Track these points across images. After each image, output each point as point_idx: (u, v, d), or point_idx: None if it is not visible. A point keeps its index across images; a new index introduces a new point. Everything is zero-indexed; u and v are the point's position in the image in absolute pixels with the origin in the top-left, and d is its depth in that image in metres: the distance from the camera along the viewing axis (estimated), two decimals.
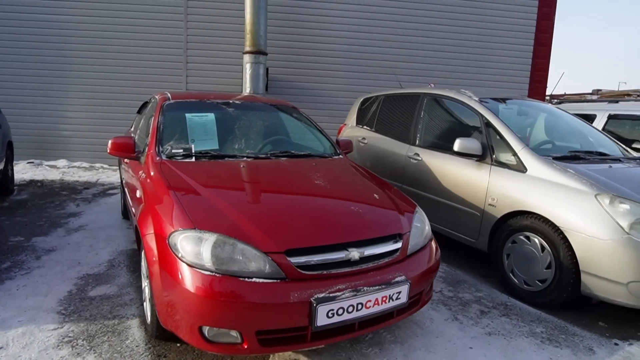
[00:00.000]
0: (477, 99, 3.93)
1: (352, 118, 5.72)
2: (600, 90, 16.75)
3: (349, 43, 8.28)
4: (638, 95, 14.71)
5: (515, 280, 3.30)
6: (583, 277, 2.86)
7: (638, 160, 3.66)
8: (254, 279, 1.85)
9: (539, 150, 3.43)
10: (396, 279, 2.13)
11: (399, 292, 2.12)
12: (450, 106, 4.21)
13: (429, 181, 4.11)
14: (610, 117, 5.60)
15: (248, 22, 7.07)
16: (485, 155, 3.60)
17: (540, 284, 3.11)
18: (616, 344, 2.69)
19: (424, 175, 4.18)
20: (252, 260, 1.90)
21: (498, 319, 2.94)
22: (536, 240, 3.12)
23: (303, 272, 1.93)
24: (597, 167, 3.25)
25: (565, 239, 2.92)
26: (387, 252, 2.21)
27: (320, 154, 3.41)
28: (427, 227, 2.62)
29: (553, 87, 10.77)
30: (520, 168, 3.32)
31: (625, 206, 2.76)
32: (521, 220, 3.23)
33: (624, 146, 4.04)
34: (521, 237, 3.24)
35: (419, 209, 2.68)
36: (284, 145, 3.37)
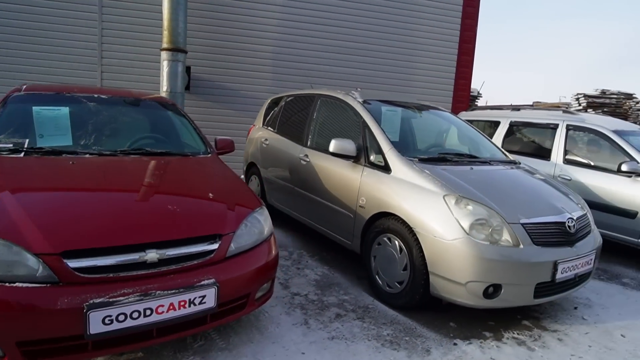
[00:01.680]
0: (361, 100, 3.92)
1: (260, 119, 5.63)
2: (539, 102, 17.60)
3: (275, 44, 8.18)
4: (566, 108, 15.50)
5: (380, 282, 3.29)
6: (431, 278, 2.88)
7: (509, 164, 3.75)
8: (16, 284, 1.70)
9: (408, 152, 3.44)
10: (202, 282, 2.03)
11: (204, 296, 2.02)
12: (338, 108, 4.19)
13: (315, 183, 4.07)
14: (511, 124, 5.80)
15: (165, 17, 6.80)
16: (359, 157, 3.59)
17: (398, 285, 3.11)
18: (455, 344, 2.71)
19: (311, 176, 4.14)
20: (23, 263, 1.75)
21: (350, 322, 2.90)
22: (396, 242, 3.12)
23: (81, 275, 1.79)
24: (457, 169, 3.29)
25: (418, 240, 2.93)
26: (196, 253, 2.11)
27: (183, 152, 3.28)
28: (266, 227, 2.55)
29: (477, 94, 11.04)
30: (387, 169, 3.32)
31: (469, 207, 2.80)
32: (385, 222, 3.22)
33: (504, 151, 4.15)
34: (385, 238, 3.23)
35: (259, 209, 2.61)
36: (141, 143, 3.22)
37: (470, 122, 6.38)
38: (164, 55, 6.87)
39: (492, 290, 2.72)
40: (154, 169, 2.76)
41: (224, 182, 2.85)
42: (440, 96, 9.08)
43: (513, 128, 5.81)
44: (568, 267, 2.86)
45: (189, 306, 1.98)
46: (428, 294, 2.93)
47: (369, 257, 3.39)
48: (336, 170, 3.78)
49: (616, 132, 4.80)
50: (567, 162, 5.06)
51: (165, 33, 6.81)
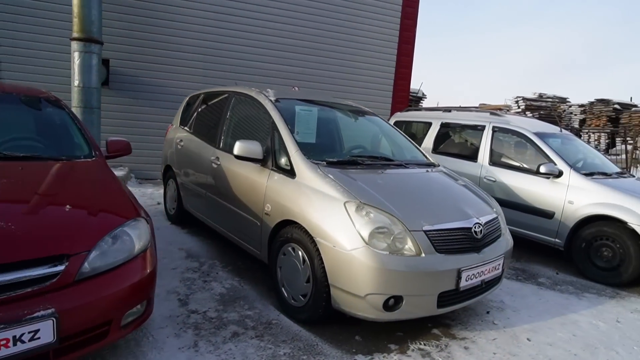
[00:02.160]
0: (272, 98, 3.68)
1: (177, 118, 5.27)
2: (485, 104, 18.16)
3: (205, 37, 7.73)
4: (507, 110, 16.02)
5: (286, 295, 3.07)
6: (332, 291, 2.69)
7: (427, 167, 3.64)
8: None
9: (321, 155, 3.23)
10: (35, 314, 1.71)
11: (36, 331, 1.70)
12: (251, 106, 3.92)
13: (225, 188, 3.80)
14: (442, 125, 5.77)
15: (75, 3, 6.10)
16: (267, 160, 3.35)
17: (302, 298, 2.90)
18: None
19: (221, 181, 3.87)
20: None
21: (246, 342, 2.66)
22: (299, 253, 2.91)
23: None
24: (366, 173, 3.13)
25: (319, 251, 2.73)
26: (32, 279, 1.78)
27: (56, 156, 2.89)
28: (139, 242, 2.24)
29: (421, 95, 11.09)
30: (292, 173, 3.10)
31: (370, 214, 2.63)
32: (289, 231, 3.00)
33: (424, 153, 4.05)
34: (289, 248, 3.01)
35: (133, 221, 2.29)
36: (5, 145, 2.81)
37: (404, 123, 6.35)
38: (75, 45, 6.20)
39: (392, 303, 2.56)
40: (8, 177, 2.38)
41: (96, 191, 2.52)
42: (380, 96, 9.05)
43: (444, 129, 5.79)
44: (473, 274, 2.75)
45: (14, 345, 1.66)
46: (330, 307, 2.73)
47: (275, 268, 3.16)
48: (243, 175, 3.53)
49: (537, 134, 4.87)
50: (493, 163, 5.08)
51: (76, 21, 6.14)
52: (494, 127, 5.21)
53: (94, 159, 3.03)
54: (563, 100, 17.58)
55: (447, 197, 3.13)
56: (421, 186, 3.20)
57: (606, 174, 4.73)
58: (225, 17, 7.81)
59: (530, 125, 5.09)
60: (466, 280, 2.71)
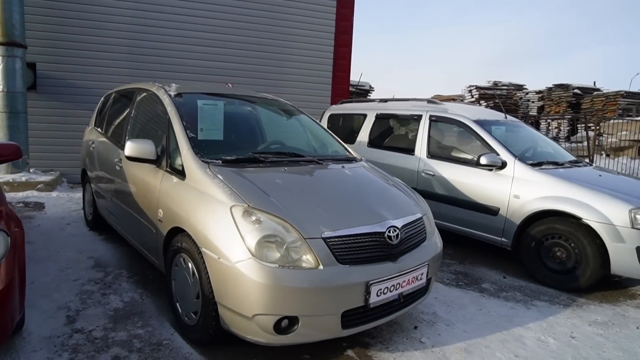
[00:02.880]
0: (172, 93, 3.27)
1: (92, 119, 4.82)
2: (440, 95, 17.76)
3: (133, 37, 7.35)
4: (461, 100, 15.58)
5: (180, 310, 2.67)
6: (220, 309, 2.29)
7: (345, 162, 3.26)
8: None
9: (218, 153, 2.82)
10: None
11: None
12: (152, 103, 3.50)
13: (125, 192, 3.40)
14: (377, 116, 5.39)
15: None
16: (161, 160, 2.93)
17: (194, 316, 2.50)
18: None
19: (122, 184, 3.46)
20: None
21: None
22: (189, 265, 2.50)
23: None
24: (266, 172, 2.75)
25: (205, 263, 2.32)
26: None
27: None
28: None
29: (362, 87, 10.65)
30: (183, 174, 2.70)
31: (260, 220, 2.23)
32: (180, 239, 2.60)
33: (346, 147, 3.67)
34: (180, 259, 2.61)
35: None
36: None
37: (340, 116, 5.96)
38: None
39: (286, 324, 2.17)
40: None
41: None
42: (319, 89, 8.68)
43: (379, 121, 5.40)
44: (387, 288, 2.37)
45: None
46: (221, 327, 2.33)
47: (170, 280, 2.75)
48: (139, 177, 3.14)
49: (478, 122, 4.49)
50: (431, 155, 4.70)
51: None
52: (431, 117, 4.83)
53: None
54: (519, 87, 17.01)
55: (360, 196, 2.74)
56: (331, 185, 2.81)
57: (557, 164, 4.33)
58: (153, 15, 7.45)
59: (469, 113, 4.69)
60: (377, 295, 2.33)
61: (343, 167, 3.13)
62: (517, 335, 2.91)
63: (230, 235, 2.22)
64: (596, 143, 11.80)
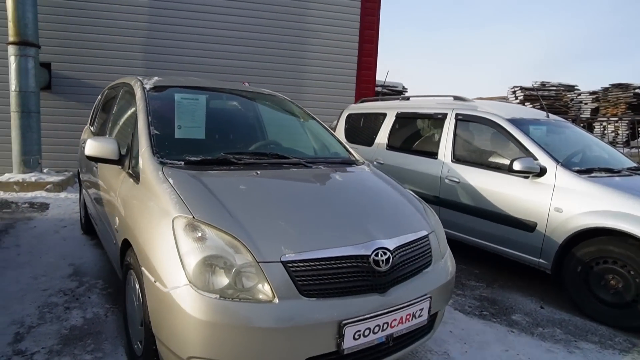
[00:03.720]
0: (148, 86, 2.93)
1: (90, 117, 4.60)
2: (481, 98, 16.61)
3: (149, 35, 7.19)
4: (506, 101, 14.19)
5: (132, 336, 2.26)
6: (157, 344, 1.85)
7: (341, 165, 2.77)
8: None
9: (174, 154, 2.39)
10: None
11: None
12: (130, 98, 3.16)
13: (97, 195, 3.11)
14: (397, 115, 4.81)
15: (10, 7, 5.86)
16: (124, 160, 2.55)
17: (140, 345, 2.09)
18: None
19: (96, 186, 3.17)
20: None
21: None
22: (136, 285, 2.08)
23: None
24: (231, 176, 2.29)
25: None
26: None
27: None
28: None
29: (384, 86, 9.84)
30: (138, 177, 2.30)
31: (204, 236, 1.78)
32: (130, 253, 2.20)
33: (347, 147, 3.17)
34: (130, 277, 2.20)
35: None
36: None
37: (359, 116, 5.43)
38: (11, 49, 5.97)
39: None
40: None
41: None
42: (342, 89, 8.17)
43: (400, 121, 4.80)
44: (369, 329, 1.83)
45: None
46: None
47: (125, 300, 2.35)
48: (106, 179, 2.83)
49: (512, 120, 3.81)
50: (457, 160, 4.06)
51: (11, 25, 5.90)
52: (457, 115, 4.18)
53: None
54: (570, 88, 15.33)
55: (346, 208, 2.20)
56: (309, 193, 2.29)
57: (612, 171, 3.56)
58: (169, 13, 7.25)
59: (503, 111, 3.99)
60: (355, 339, 1.80)
61: (335, 171, 2.62)
62: None
63: (169, 253, 1.78)
64: None
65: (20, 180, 5.78)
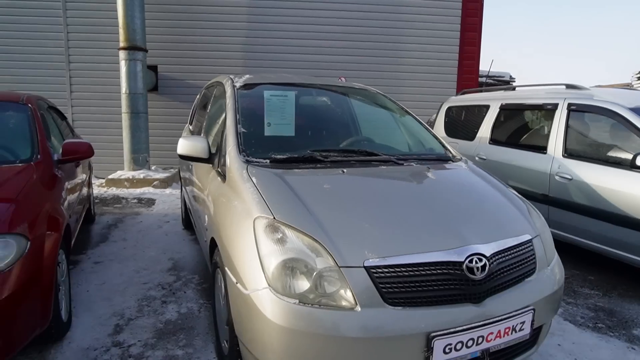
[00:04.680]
0: (238, 84, 3.01)
1: (189, 116, 4.88)
2: (601, 86, 14.74)
3: (247, 35, 7.43)
4: (629, 88, 12.38)
5: (221, 334, 2.32)
6: (240, 346, 1.86)
7: (435, 162, 2.61)
8: None
9: (261, 152, 2.40)
10: None
11: None
12: (222, 97, 3.23)
13: (193, 191, 3.30)
14: (502, 107, 4.41)
15: (120, 14, 6.40)
16: (213, 159, 2.63)
17: (226, 344, 2.13)
18: None
19: (191, 183, 3.34)
20: None
21: None
22: (222, 285, 2.13)
23: None
24: (316, 175, 2.22)
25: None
26: None
27: None
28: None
29: (487, 74, 9.00)
30: (225, 176, 2.34)
31: (285, 238, 1.73)
32: (217, 253, 2.24)
33: (443, 142, 2.97)
34: (218, 276, 2.26)
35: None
36: None
37: (460, 108, 5.08)
38: (122, 54, 6.51)
39: None
40: None
41: None
42: (442, 80, 7.71)
43: (504, 113, 4.39)
44: (462, 342, 1.66)
45: None
46: None
47: (214, 297, 2.42)
48: (199, 177, 2.97)
49: (636, 110, 3.26)
50: (569, 155, 3.60)
51: (122, 31, 6.44)
52: (570, 105, 3.69)
53: (31, 163, 2.70)
54: None
55: (438, 209, 2.02)
56: (399, 193, 2.13)
57: None
58: (271, 12, 7.37)
59: (625, 99, 3.45)
60: (446, 353, 1.64)
61: (428, 169, 2.43)
62: None
63: (250, 255, 1.77)
64: None
65: (130, 177, 6.36)
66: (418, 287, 1.66)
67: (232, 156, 2.32)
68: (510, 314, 1.76)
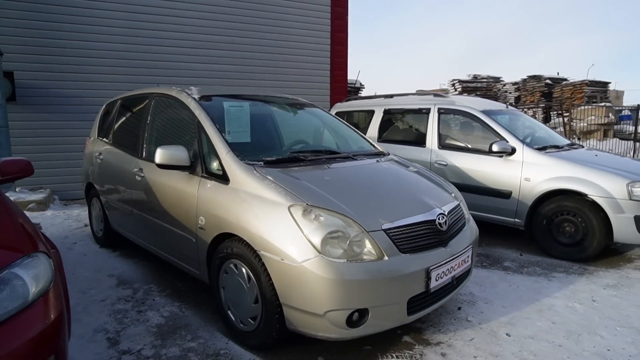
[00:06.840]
0: (196, 96, 3.21)
1: (94, 129, 4.64)
2: (423, 90, 18.25)
3: (123, 41, 7.01)
4: (446, 94, 16.01)
5: (233, 318, 2.63)
6: (285, 311, 2.29)
7: (376, 156, 3.31)
8: None
9: (256, 155, 2.80)
10: None
11: None
12: (174, 108, 3.43)
13: (152, 202, 3.31)
14: (385, 111, 5.50)
15: None
16: (195, 166, 2.88)
17: (252, 322, 2.48)
18: None
19: (147, 195, 3.36)
20: None
21: None
22: (243, 270, 2.47)
23: None
24: (311, 170, 2.75)
25: (265, 266, 2.31)
26: None
27: None
28: (35, 285, 1.71)
29: (359, 85, 10.68)
30: (225, 179, 2.66)
31: (320, 218, 2.23)
32: (229, 245, 2.56)
33: (372, 142, 3.72)
34: (231, 265, 2.57)
35: (26, 259, 1.76)
36: None
37: (346, 113, 6.03)
38: None
39: (357, 317, 2.20)
40: None
41: None
42: (317, 88, 8.71)
43: (387, 116, 5.52)
44: (443, 272, 2.44)
45: None
46: (286, 329, 2.32)
47: (218, 289, 2.71)
48: (171, 186, 3.05)
49: (485, 112, 4.69)
50: (442, 146, 4.85)
51: None
52: (439, 109, 4.99)
53: None
54: (497, 79, 17.99)
55: (403, 188, 2.80)
56: (373, 179, 2.84)
57: (558, 147, 4.61)
58: (142, 17, 7.13)
59: (476, 104, 4.90)
60: (436, 280, 2.39)
61: (378, 161, 3.17)
62: (548, 304, 3.11)
63: (292, 235, 2.22)
64: (570, 128, 12.52)
65: None
66: (414, 239, 2.38)
67: (231, 161, 2.66)
68: (462, 251, 2.62)
